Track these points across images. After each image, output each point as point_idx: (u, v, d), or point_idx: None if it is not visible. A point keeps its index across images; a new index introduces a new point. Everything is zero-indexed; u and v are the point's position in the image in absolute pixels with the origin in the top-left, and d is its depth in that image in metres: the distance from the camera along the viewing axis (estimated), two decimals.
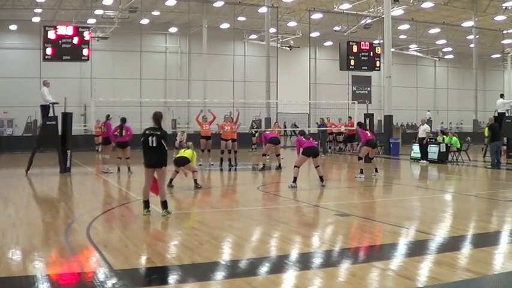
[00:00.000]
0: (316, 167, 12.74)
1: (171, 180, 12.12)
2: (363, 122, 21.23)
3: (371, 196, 12.22)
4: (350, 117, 26.81)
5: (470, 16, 40.77)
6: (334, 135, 27.42)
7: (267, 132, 19.40)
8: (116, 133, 15.70)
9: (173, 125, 35.16)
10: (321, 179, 12.54)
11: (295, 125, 36.60)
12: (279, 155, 17.35)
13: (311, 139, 13.29)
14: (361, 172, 14.46)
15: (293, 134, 32.71)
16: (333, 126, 27.15)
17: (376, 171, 15.02)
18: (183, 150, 12.48)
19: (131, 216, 8.72)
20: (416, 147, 21.05)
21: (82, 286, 5.19)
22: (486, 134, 19.87)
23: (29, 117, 34.71)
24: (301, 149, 12.62)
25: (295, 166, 12.58)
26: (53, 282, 5.18)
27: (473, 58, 43.19)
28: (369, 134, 15.05)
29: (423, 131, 20.64)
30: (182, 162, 12.01)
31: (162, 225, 8.13)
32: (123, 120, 15.92)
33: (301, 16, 40.32)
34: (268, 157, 18.02)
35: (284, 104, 34.08)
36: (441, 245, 6.68)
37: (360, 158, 14.87)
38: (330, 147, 27.04)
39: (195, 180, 12.22)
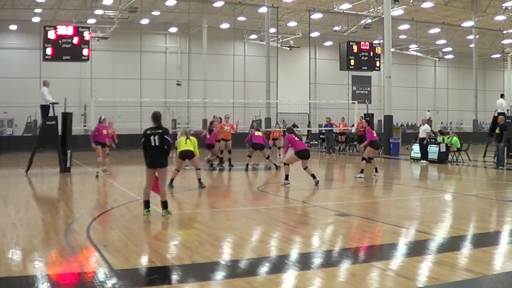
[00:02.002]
0: (304, 168, 12.63)
1: (172, 180, 12.11)
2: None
3: (371, 196, 12.22)
4: (362, 117, 25.98)
5: (470, 16, 40.77)
6: (335, 135, 27.37)
7: (256, 134, 17.44)
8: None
9: (173, 125, 35.15)
10: (313, 176, 12.49)
11: (295, 125, 36.57)
12: (268, 157, 17.26)
13: (302, 138, 13.17)
14: (362, 172, 14.46)
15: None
16: (334, 126, 27.10)
17: (376, 171, 15.04)
18: (183, 140, 12.01)
19: (131, 216, 8.72)
20: (416, 147, 21.05)
21: (82, 286, 5.19)
22: (498, 132, 19.31)
23: (29, 117, 34.72)
24: (294, 150, 12.53)
25: (285, 164, 12.57)
26: (53, 282, 5.18)
27: (473, 58, 43.18)
28: (375, 135, 15.09)
29: (423, 131, 20.64)
30: (188, 155, 11.85)
31: (162, 225, 8.13)
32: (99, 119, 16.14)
33: (301, 16, 40.31)
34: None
35: (284, 104, 34.10)
36: (441, 245, 6.68)
37: (363, 159, 14.87)
38: (325, 147, 26.97)
39: (199, 180, 12.20)
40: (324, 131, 27.16)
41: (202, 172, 13.04)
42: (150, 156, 8.40)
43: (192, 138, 12.14)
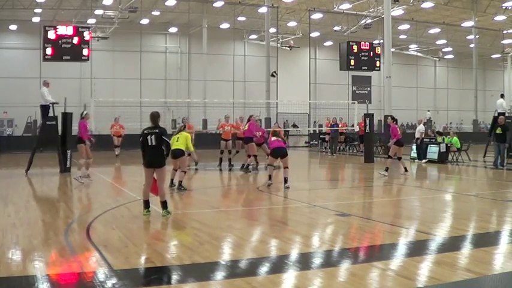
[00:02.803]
0: (284, 168, 12.36)
1: (172, 180, 12.07)
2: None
3: (371, 196, 12.22)
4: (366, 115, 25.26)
5: (470, 16, 40.77)
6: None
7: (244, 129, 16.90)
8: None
9: (173, 125, 35.15)
10: (285, 180, 12.11)
11: (295, 125, 36.62)
12: (250, 156, 16.62)
13: (280, 139, 12.92)
14: (386, 170, 14.63)
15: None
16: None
17: (386, 170, 15.07)
18: (176, 138, 11.69)
19: (131, 216, 8.72)
20: (415, 147, 21.10)
21: (82, 286, 5.19)
22: (500, 132, 18.94)
23: (29, 117, 34.70)
24: (270, 149, 12.54)
25: (268, 165, 12.65)
26: (53, 282, 5.18)
27: (473, 58, 43.19)
28: (400, 133, 15.33)
29: (418, 131, 20.86)
30: (177, 154, 11.48)
31: (162, 225, 8.13)
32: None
33: (301, 16, 40.32)
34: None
35: (284, 104, 34.10)
36: (441, 245, 6.68)
37: (389, 157, 15.21)
38: (325, 147, 26.90)
39: (180, 182, 11.79)
40: (323, 131, 27.13)
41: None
42: (147, 156, 8.40)
43: (184, 134, 11.77)
